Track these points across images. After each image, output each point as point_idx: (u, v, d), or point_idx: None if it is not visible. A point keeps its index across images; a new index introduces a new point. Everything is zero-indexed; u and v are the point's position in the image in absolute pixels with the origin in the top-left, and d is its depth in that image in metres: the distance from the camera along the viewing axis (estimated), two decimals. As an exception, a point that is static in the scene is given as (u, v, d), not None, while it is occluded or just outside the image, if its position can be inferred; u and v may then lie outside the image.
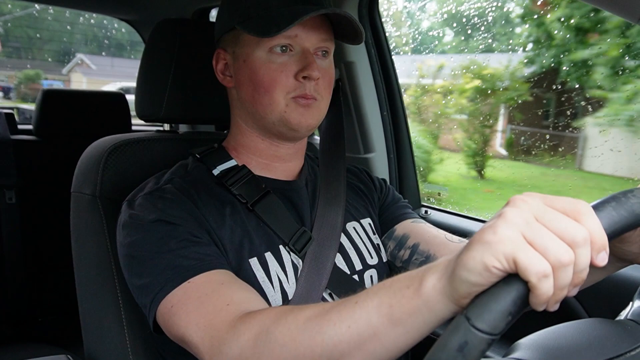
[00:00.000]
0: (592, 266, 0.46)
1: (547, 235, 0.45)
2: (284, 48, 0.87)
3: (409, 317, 0.52)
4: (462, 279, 0.47)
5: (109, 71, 12.44)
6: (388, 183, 1.16)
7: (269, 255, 0.88)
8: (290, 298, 0.86)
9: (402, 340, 0.53)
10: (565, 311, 1.16)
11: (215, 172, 0.94)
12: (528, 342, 0.56)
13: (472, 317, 0.44)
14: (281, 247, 0.90)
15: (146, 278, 0.78)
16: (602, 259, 0.46)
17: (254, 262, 0.86)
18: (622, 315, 0.63)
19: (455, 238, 1.00)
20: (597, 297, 1.10)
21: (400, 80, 1.69)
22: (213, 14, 2.18)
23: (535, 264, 0.43)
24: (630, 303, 0.65)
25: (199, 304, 0.73)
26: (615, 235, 0.49)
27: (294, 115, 0.89)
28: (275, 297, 0.85)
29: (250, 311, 0.69)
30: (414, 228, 1.04)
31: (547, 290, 0.44)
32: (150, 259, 0.79)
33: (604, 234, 0.47)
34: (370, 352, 0.55)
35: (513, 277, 0.45)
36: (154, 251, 0.79)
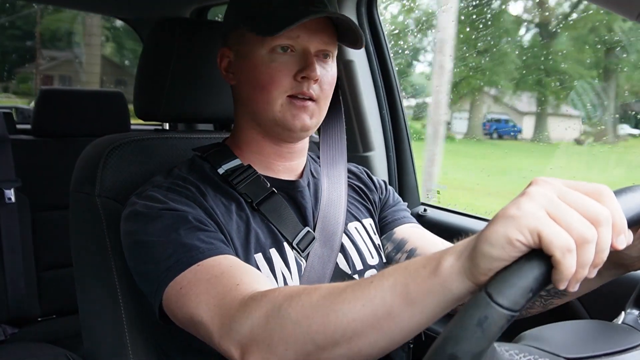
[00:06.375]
0: (610, 251, 0.47)
1: (570, 212, 0.46)
2: (285, 48, 0.88)
3: (424, 296, 0.52)
4: (484, 253, 0.47)
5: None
6: (388, 184, 1.16)
7: (273, 252, 0.89)
8: None
9: (417, 320, 0.53)
10: (567, 312, 1.16)
11: (221, 170, 0.94)
12: (533, 333, 0.56)
13: (492, 292, 0.44)
14: (285, 245, 0.91)
15: (153, 263, 0.78)
16: (622, 242, 0.48)
17: (259, 257, 0.87)
18: (618, 321, 0.64)
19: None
20: (598, 299, 1.10)
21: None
22: (211, 13, 2.18)
23: (559, 238, 0.44)
24: (622, 312, 0.65)
25: (209, 285, 0.72)
26: (633, 223, 0.50)
27: (288, 116, 0.89)
28: None
29: (261, 290, 0.68)
30: (413, 233, 1.05)
31: (570, 266, 0.44)
32: (158, 244, 0.79)
33: (624, 217, 0.48)
34: (385, 331, 0.55)
35: (535, 253, 0.45)
36: (163, 236, 0.79)
